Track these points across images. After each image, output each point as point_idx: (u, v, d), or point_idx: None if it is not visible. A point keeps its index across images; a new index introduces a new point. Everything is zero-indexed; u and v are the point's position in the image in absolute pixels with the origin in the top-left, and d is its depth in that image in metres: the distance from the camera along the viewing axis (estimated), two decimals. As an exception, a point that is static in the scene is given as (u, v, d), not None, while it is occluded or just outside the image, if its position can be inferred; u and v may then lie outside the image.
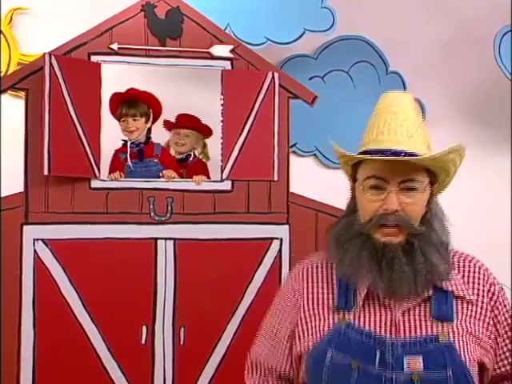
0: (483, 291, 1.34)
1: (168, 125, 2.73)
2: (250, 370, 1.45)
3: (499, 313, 1.34)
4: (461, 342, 1.27)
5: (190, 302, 2.32)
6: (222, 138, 2.40)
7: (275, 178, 2.40)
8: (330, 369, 1.26)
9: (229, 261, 2.34)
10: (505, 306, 1.35)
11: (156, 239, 2.33)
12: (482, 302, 1.33)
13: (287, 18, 2.73)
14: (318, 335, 1.31)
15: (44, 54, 2.22)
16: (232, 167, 2.38)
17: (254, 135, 2.39)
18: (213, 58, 2.40)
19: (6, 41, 2.72)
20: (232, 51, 2.41)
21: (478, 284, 1.34)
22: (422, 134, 1.31)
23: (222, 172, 2.40)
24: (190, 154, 2.77)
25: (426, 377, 1.23)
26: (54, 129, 2.22)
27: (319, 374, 1.27)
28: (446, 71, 3.15)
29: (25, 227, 2.26)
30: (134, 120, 2.55)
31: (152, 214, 2.34)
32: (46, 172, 2.21)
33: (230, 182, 2.40)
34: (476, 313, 1.31)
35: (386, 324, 1.28)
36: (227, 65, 2.41)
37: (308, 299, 1.36)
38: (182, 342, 2.32)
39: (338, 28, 2.81)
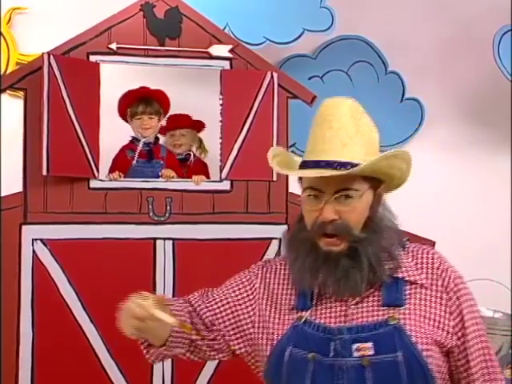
0: (437, 274, 1.33)
1: (161, 129, 2.72)
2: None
3: (451, 297, 1.32)
4: (412, 324, 1.28)
5: (188, 302, 2.32)
6: (220, 138, 2.40)
7: (274, 178, 2.40)
8: (289, 364, 1.29)
9: (228, 261, 2.33)
10: (459, 291, 1.33)
11: (155, 239, 2.33)
12: (436, 286, 1.33)
13: (286, 18, 2.73)
14: (277, 335, 1.34)
15: (43, 53, 2.22)
16: (231, 167, 2.38)
17: (253, 135, 2.39)
18: (212, 57, 2.40)
19: (5, 41, 2.72)
20: (231, 51, 2.41)
21: (432, 268, 1.34)
22: (360, 140, 1.32)
23: (220, 172, 2.40)
24: (190, 154, 2.78)
25: (375, 361, 1.25)
26: (53, 129, 2.21)
27: (279, 371, 1.30)
28: (445, 71, 3.15)
29: (24, 227, 2.26)
30: (150, 118, 2.55)
31: (151, 214, 2.34)
32: (44, 172, 2.20)
33: (229, 182, 2.39)
34: (430, 296, 1.32)
35: (340, 316, 1.31)
36: (226, 65, 2.41)
37: (268, 299, 1.39)
38: (180, 342, 2.32)
39: (337, 28, 2.81)
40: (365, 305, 1.31)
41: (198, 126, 2.77)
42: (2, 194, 2.29)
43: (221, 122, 2.40)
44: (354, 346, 1.26)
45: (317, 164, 1.29)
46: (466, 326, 1.32)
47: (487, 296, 2.38)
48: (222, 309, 1.42)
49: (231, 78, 2.40)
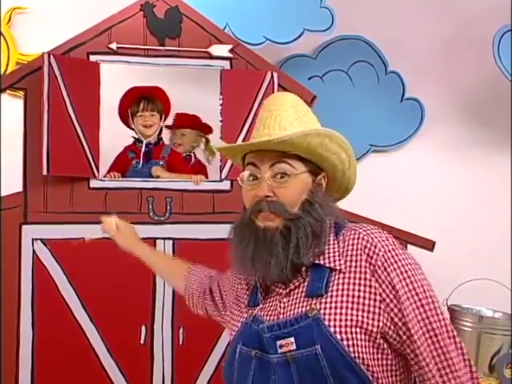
0: (359, 255, 1.29)
1: (166, 127, 2.72)
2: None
3: (380, 275, 1.27)
4: (331, 311, 1.26)
5: (188, 302, 2.32)
6: (220, 138, 2.40)
7: (274, 178, 2.40)
8: (238, 362, 1.33)
9: (228, 261, 2.33)
10: (392, 265, 1.27)
11: (155, 239, 2.32)
12: (360, 267, 1.28)
13: (286, 18, 2.73)
14: (234, 333, 1.39)
15: (43, 53, 2.22)
16: (231, 167, 2.38)
17: (253, 135, 2.39)
18: (212, 57, 2.40)
19: (5, 40, 2.72)
20: (231, 51, 2.41)
21: (356, 250, 1.30)
22: (299, 126, 1.34)
23: (220, 172, 2.40)
24: (191, 155, 2.78)
25: (297, 356, 1.25)
26: (53, 128, 2.21)
27: (232, 369, 1.34)
28: (445, 71, 3.15)
29: (24, 227, 2.26)
30: (152, 115, 2.55)
31: (151, 214, 2.34)
32: (44, 172, 2.20)
33: (228, 182, 2.39)
34: (352, 279, 1.28)
35: (275, 309, 1.33)
36: (226, 64, 2.41)
37: (233, 296, 1.47)
38: (180, 342, 2.32)
39: (337, 28, 2.81)
40: (293, 297, 1.32)
41: (205, 128, 2.75)
42: (2, 194, 2.29)
43: (221, 121, 2.40)
44: (278, 343, 1.27)
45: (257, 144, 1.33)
46: (401, 301, 1.25)
47: (487, 296, 2.38)
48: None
49: (231, 77, 2.40)
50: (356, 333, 1.24)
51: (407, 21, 3.09)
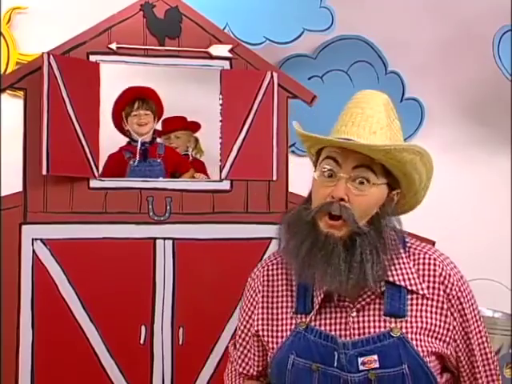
0: (438, 283, 1.31)
1: (157, 133, 2.73)
2: (229, 367, 1.51)
3: (453, 304, 1.31)
4: (414, 335, 1.26)
5: (188, 302, 2.32)
6: (220, 138, 2.40)
7: (274, 178, 2.40)
8: (293, 372, 1.28)
9: (227, 260, 2.33)
10: (463, 296, 1.32)
11: (155, 239, 2.32)
12: (438, 295, 1.30)
13: (286, 18, 2.73)
14: (279, 340, 1.32)
15: (42, 53, 2.22)
16: (231, 167, 2.38)
17: (253, 135, 2.39)
18: (212, 57, 2.40)
19: (5, 40, 2.72)
20: (231, 51, 2.41)
21: (434, 276, 1.31)
22: (389, 134, 1.28)
23: (220, 172, 2.40)
24: (188, 155, 2.78)
25: (382, 374, 1.24)
26: (53, 128, 2.21)
27: (283, 377, 1.29)
28: (445, 71, 3.15)
29: (23, 227, 2.26)
30: (146, 114, 2.56)
31: (151, 214, 2.34)
32: (44, 172, 2.20)
33: (228, 182, 2.39)
34: (430, 306, 1.30)
35: (340, 324, 1.28)
36: (226, 64, 2.41)
37: (268, 301, 1.37)
38: (180, 342, 2.32)
39: (337, 28, 2.81)
40: (366, 313, 1.28)
41: (193, 127, 2.77)
42: (2, 194, 2.29)
43: (221, 121, 2.40)
44: (360, 360, 1.24)
45: (345, 140, 1.25)
46: (470, 330, 1.32)
47: (487, 296, 2.38)
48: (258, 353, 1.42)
49: (231, 77, 2.40)
50: (433, 355, 1.28)
51: (407, 21, 3.08)
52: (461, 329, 1.32)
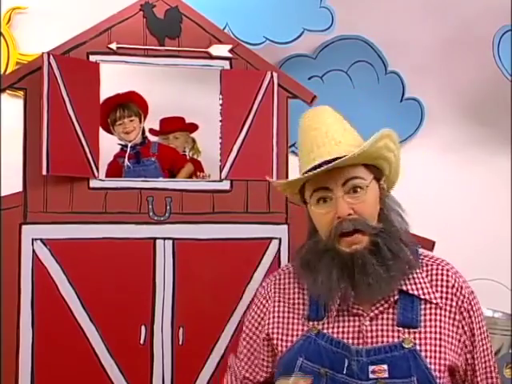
0: (451, 294, 1.33)
1: (154, 132, 2.74)
2: (228, 375, 1.51)
3: (464, 317, 1.33)
4: (427, 346, 1.27)
5: (188, 302, 2.32)
6: (220, 138, 2.40)
7: (274, 178, 2.40)
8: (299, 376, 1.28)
9: (227, 261, 2.33)
10: (473, 310, 1.35)
11: (155, 239, 2.32)
12: (451, 306, 1.33)
13: (286, 18, 2.73)
14: (289, 343, 1.33)
15: (42, 53, 2.22)
16: (231, 167, 2.38)
17: (253, 135, 2.39)
18: (211, 57, 2.40)
19: (5, 40, 2.72)
20: (231, 51, 2.41)
21: (447, 287, 1.33)
22: (351, 137, 1.32)
23: (220, 172, 2.40)
24: (185, 155, 2.79)
25: None
26: (53, 128, 2.21)
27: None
28: (445, 71, 3.15)
29: (23, 227, 2.26)
30: (131, 121, 2.57)
31: (151, 214, 2.34)
32: (44, 172, 2.20)
33: (228, 182, 2.39)
34: (444, 316, 1.31)
35: (353, 332, 1.29)
36: (226, 64, 2.40)
37: (279, 306, 1.38)
38: (180, 342, 2.32)
39: (337, 28, 2.81)
40: (379, 322, 1.29)
41: (191, 127, 2.78)
42: (2, 194, 2.29)
43: (220, 121, 2.40)
44: (370, 368, 1.25)
45: (318, 167, 1.27)
46: (475, 345, 1.34)
47: (487, 296, 2.38)
48: (264, 364, 1.43)
49: (231, 77, 2.40)
50: (446, 371, 1.28)
51: (407, 21, 3.08)
52: (468, 343, 1.34)
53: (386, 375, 1.24)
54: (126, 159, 2.54)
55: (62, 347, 2.25)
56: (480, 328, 1.36)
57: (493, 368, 1.38)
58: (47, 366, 2.25)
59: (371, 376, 1.24)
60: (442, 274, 1.35)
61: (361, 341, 1.28)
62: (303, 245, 1.37)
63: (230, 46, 2.40)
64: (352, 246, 1.27)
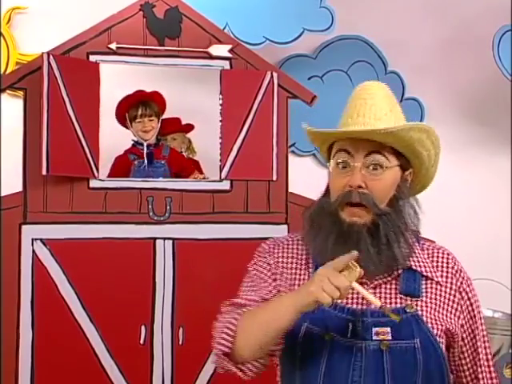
0: (451, 273, 1.38)
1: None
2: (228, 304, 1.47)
3: (463, 297, 1.37)
4: (428, 314, 1.31)
5: (188, 302, 2.32)
6: (220, 138, 2.40)
7: (274, 178, 2.40)
8: (304, 342, 1.29)
9: (227, 261, 2.33)
10: (471, 292, 1.39)
11: (155, 239, 2.33)
12: (451, 284, 1.37)
13: (286, 18, 2.72)
14: None
15: (42, 53, 2.22)
16: (231, 167, 2.38)
17: (253, 135, 2.39)
18: (211, 57, 2.40)
19: (5, 40, 2.72)
20: (231, 51, 2.41)
21: (447, 268, 1.38)
22: (393, 118, 1.33)
23: (220, 172, 2.40)
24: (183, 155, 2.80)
25: (393, 346, 1.27)
26: (53, 128, 2.21)
27: (293, 347, 1.30)
28: (445, 71, 3.15)
29: (23, 227, 2.26)
30: (150, 120, 2.58)
31: (151, 214, 2.34)
32: (44, 172, 2.20)
33: (228, 182, 2.39)
34: (444, 292, 1.35)
35: (358, 298, 1.31)
36: (226, 64, 2.41)
37: (283, 274, 1.38)
38: (180, 342, 2.32)
39: (337, 28, 2.81)
40: (383, 290, 1.32)
41: (187, 128, 2.79)
42: (2, 194, 2.29)
43: (220, 121, 2.40)
44: (374, 330, 1.27)
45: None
46: (476, 327, 1.38)
47: (487, 296, 2.38)
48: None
49: (231, 77, 2.40)
50: (444, 336, 1.32)
51: (407, 21, 3.08)
52: (468, 326, 1.37)
53: (390, 337, 1.27)
54: (145, 158, 2.54)
55: (62, 347, 2.25)
56: (479, 313, 1.40)
57: (490, 355, 1.43)
58: (47, 366, 2.25)
59: (375, 337, 1.27)
60: (443, 257, 1.39)
61: (365, 307, 1.31)
62: (314, 202, 1.40)
63: (229, 46, 2.41)
64: (353, 217, 1.28)
